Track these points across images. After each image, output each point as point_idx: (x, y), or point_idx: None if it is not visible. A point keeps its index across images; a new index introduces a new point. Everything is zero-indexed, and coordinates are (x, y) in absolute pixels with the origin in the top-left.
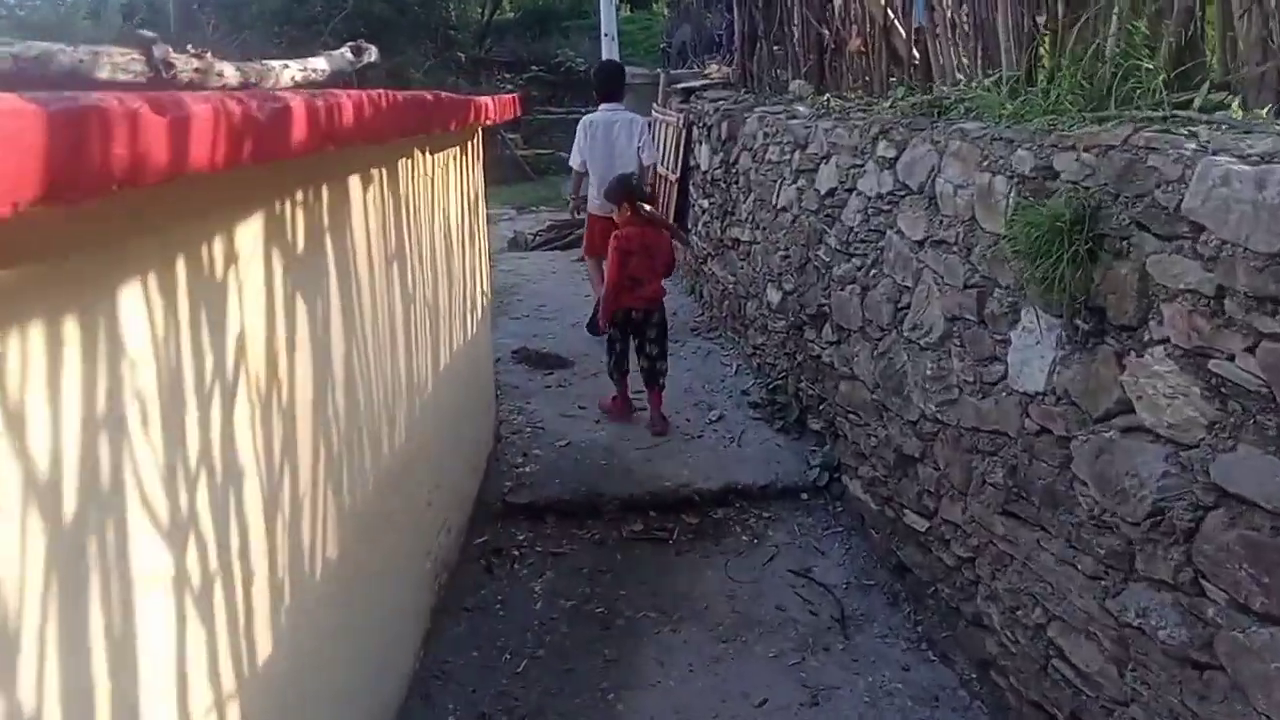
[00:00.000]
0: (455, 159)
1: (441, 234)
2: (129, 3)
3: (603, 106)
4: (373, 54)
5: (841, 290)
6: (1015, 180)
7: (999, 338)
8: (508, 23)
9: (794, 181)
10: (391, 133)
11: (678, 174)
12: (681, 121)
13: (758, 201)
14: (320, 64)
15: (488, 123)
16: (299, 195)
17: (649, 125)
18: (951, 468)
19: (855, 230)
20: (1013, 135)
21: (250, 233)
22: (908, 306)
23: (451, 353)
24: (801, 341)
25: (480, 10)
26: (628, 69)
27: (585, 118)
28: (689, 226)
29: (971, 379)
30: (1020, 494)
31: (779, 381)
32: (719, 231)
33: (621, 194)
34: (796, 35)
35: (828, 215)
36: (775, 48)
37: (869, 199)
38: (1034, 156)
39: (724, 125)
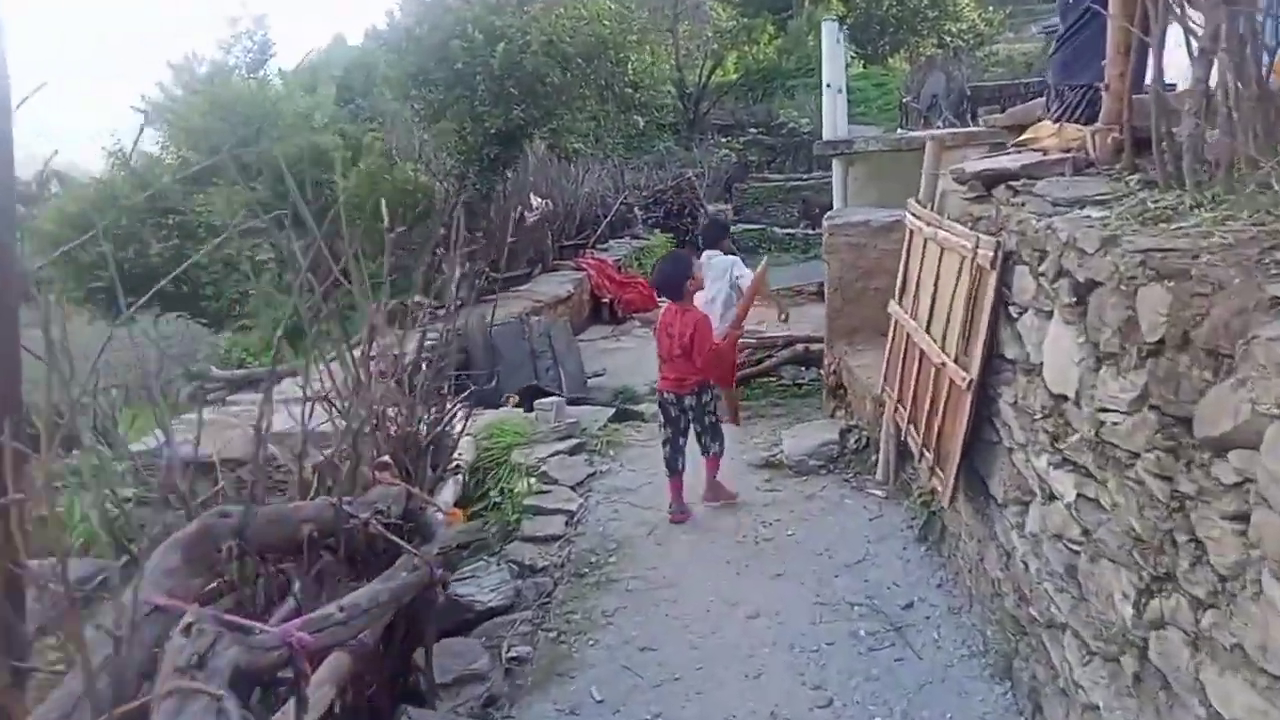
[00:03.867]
0: None
1: None
2: (341, 77)
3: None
4: None
5: None
6: None
7: None
8: (729, 83)
9: None
10: None
11: (970, 372)
12: (991, 255)
13: None
14: None
15: None
16: None
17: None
18: None
19: None
20: None
21: None
22: None
23: None
24: None
25: (698, 71)
26: (854, 131)
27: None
28: (988, 490)
29: None
30: None
31: None
32: (1132, 606)
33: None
34: None
35: None
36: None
37: None
38: None
39: (1170, 306)
